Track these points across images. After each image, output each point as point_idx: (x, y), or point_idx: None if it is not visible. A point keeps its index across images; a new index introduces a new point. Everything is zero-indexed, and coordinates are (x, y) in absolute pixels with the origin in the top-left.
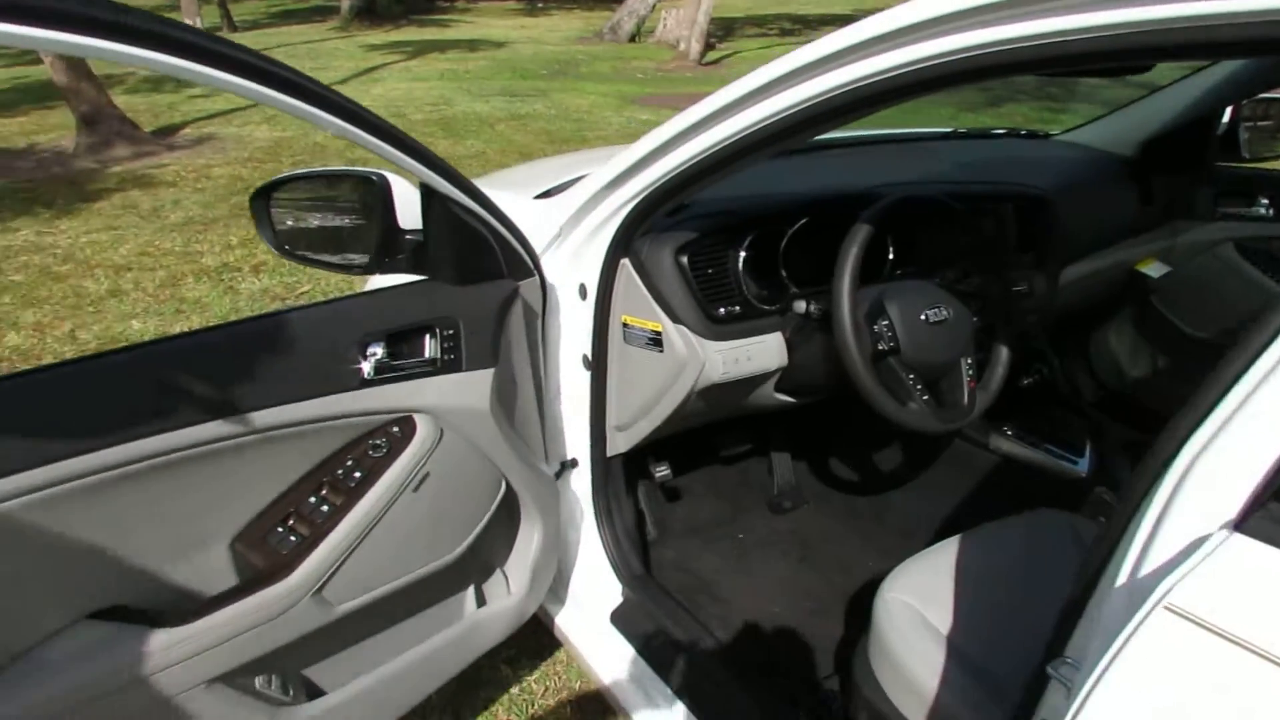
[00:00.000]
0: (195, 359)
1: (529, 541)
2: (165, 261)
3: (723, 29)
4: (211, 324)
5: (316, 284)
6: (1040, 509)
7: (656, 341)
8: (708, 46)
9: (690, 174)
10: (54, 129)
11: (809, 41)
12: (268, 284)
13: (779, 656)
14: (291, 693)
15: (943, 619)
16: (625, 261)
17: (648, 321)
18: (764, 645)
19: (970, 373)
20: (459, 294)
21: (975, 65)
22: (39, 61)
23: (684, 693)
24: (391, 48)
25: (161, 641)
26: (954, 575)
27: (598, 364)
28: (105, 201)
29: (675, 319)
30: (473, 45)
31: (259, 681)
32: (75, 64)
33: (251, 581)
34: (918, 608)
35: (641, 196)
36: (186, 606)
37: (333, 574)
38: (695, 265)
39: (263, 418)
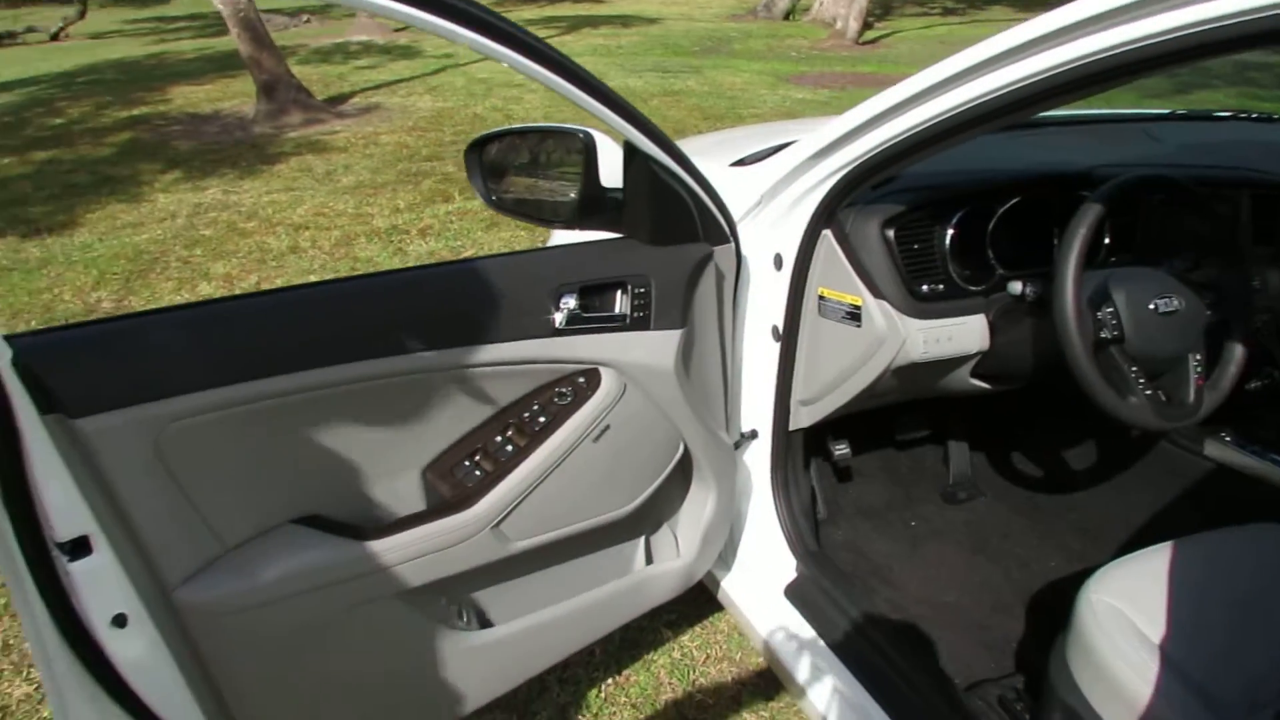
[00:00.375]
0: (407, 293)
1: (702, 506)
2: (339, 222)
3: (881, 7)
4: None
5: (479, 249)
6: (1269, 523)
7: (854, 316)
8: (866, 25)
9: (905, 147)
10: (236, 96)
11: (973, 22)
12: (434, 247)
13: (956, 648)
14: (465, 619)
15: (1155, 628)
16: (827, 233)
17: (846, 295)
18: (941, 635)
19: (1198, 370)
20: (653, 254)
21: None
22: (224, 33)
23: (860, 674)
24: (546, 22)
25: (357, 551)
26: (1169, 583)
27: (788, 336)
28: (283, 164)
29: (876, 293)
30: (625, 21)
31: (443, 601)
32: (258, 36)
33: (438, 508)
34: (1127, 613)
35: (851, 168)
36: (379, 524)
37: (511, 510)
38: (901, 240)
39: (461, 355)
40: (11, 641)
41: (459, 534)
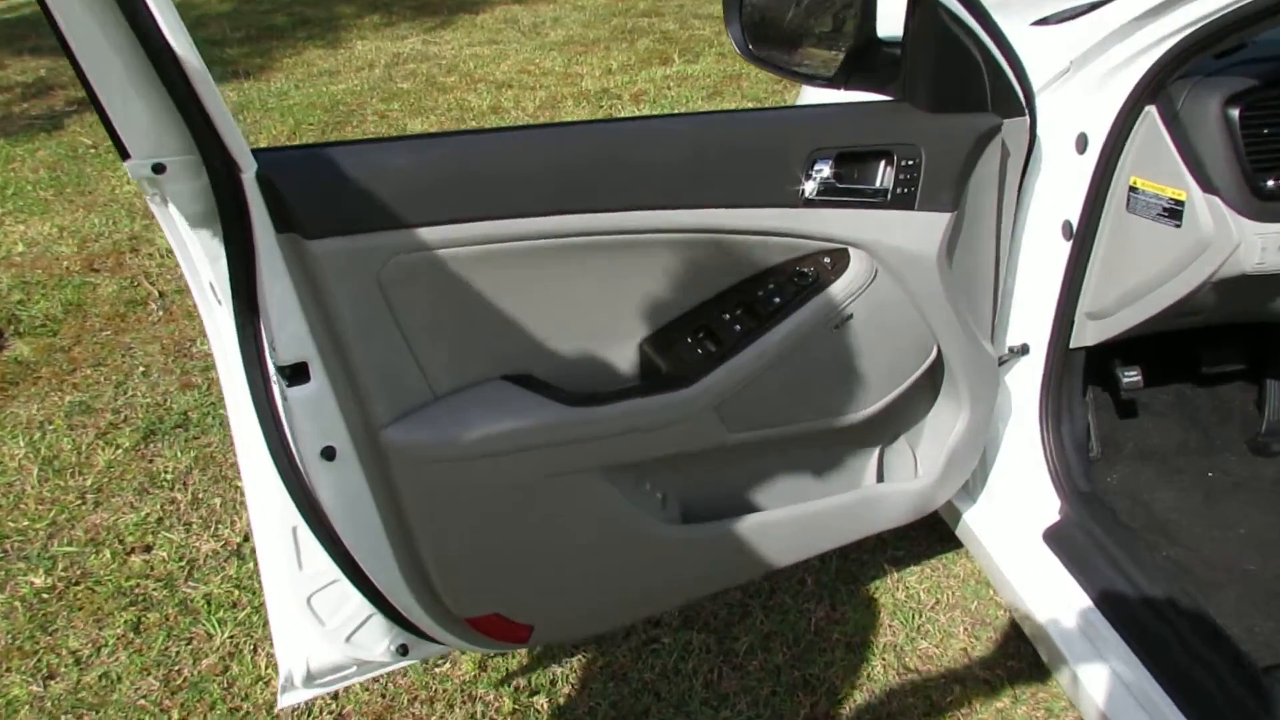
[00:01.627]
0: (647, 142)
1: (950, 423)
2: (545, 81)
3: None
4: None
5: None
6: None
7: (1173, 213)
8: None
9: (1270, 3)
10: None
11: None
12: (649, 113)
13: (1256, 623)
14: (668, 509)
15: None
16: (1151, 110)
17: (1166, 187)
18: (1238, 607)
19: None
20: (929, 121)
21: None
22: None
23: (1135, 643)
24: None
25: (565, 416)
26: None
27: (1084, 233)
28: (487, 14)
29: (1207, 187)
30: None
31: (647, 486)
32: None
33: (654, 384)
34: None
35: (1193, 29)
36: (591, 392)
37: (732, 396)
38: (1248, 122)
39: (695, 217)
40: (201, 496)
41: (673, 413)
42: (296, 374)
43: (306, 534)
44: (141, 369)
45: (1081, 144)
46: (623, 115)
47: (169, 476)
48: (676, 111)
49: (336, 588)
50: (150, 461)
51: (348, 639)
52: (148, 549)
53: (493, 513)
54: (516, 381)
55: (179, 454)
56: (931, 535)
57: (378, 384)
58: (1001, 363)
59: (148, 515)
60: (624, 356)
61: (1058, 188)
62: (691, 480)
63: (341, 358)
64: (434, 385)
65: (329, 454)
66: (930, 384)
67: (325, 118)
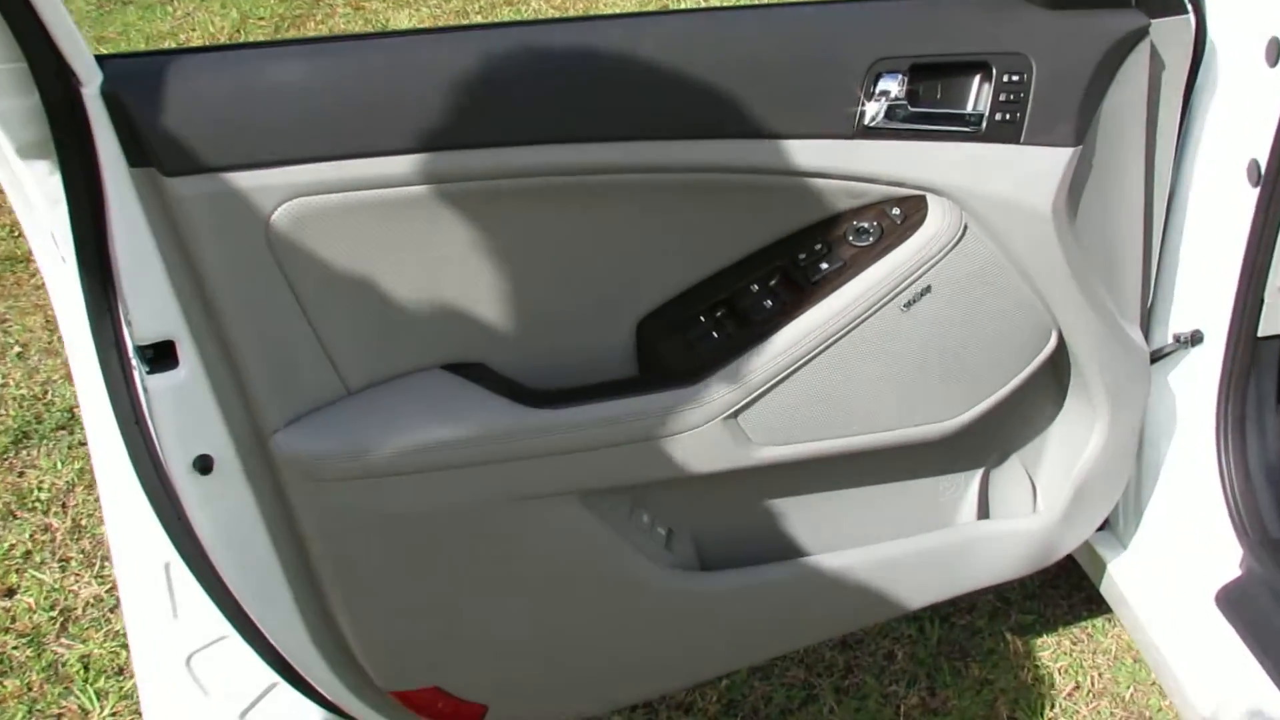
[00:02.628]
0: (642, 47)
1: (1082, 439)
2: None
3: None
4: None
5: None
6: None
7: None
8: None
9: None
10: None
11: None
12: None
13: None
14: (675, 550)
15: None
16: None
17: None
18: None
19: None
20: (1042, 20)
21: None
22: None
23: None
24: None
25: (529, 420)
26: None
27: (1277, 177)
28: None
29: None
30: None
31: (644, 519)
32: None
33: (654, 379)
34: None
35: None
36: (565, 388)
37: (761, 395)
38: None
39: (710, 151)
40: (84, 522)
41: (678, 420)
42: (160, 356)
43: (184, 572)
44: (17, 348)
45: (1274, 53)
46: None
47: (43, 495)
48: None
49: (224, 645)
50: (20, 475)
51: (241, 716)
52: (9, 593)
53: (428, 551)
54: (461, 373)
55: (58, 465)
56: (1069, 593)
57: (269, 373)
58: (1157, 357)
59: (12, 548)
60: (612, 341)
61: (1239, 114)
62: (707, 511)
63: (220, 336)
64: (346, 376)
65: (204, 465)
66: (1052, 384)
67: (281, 9)
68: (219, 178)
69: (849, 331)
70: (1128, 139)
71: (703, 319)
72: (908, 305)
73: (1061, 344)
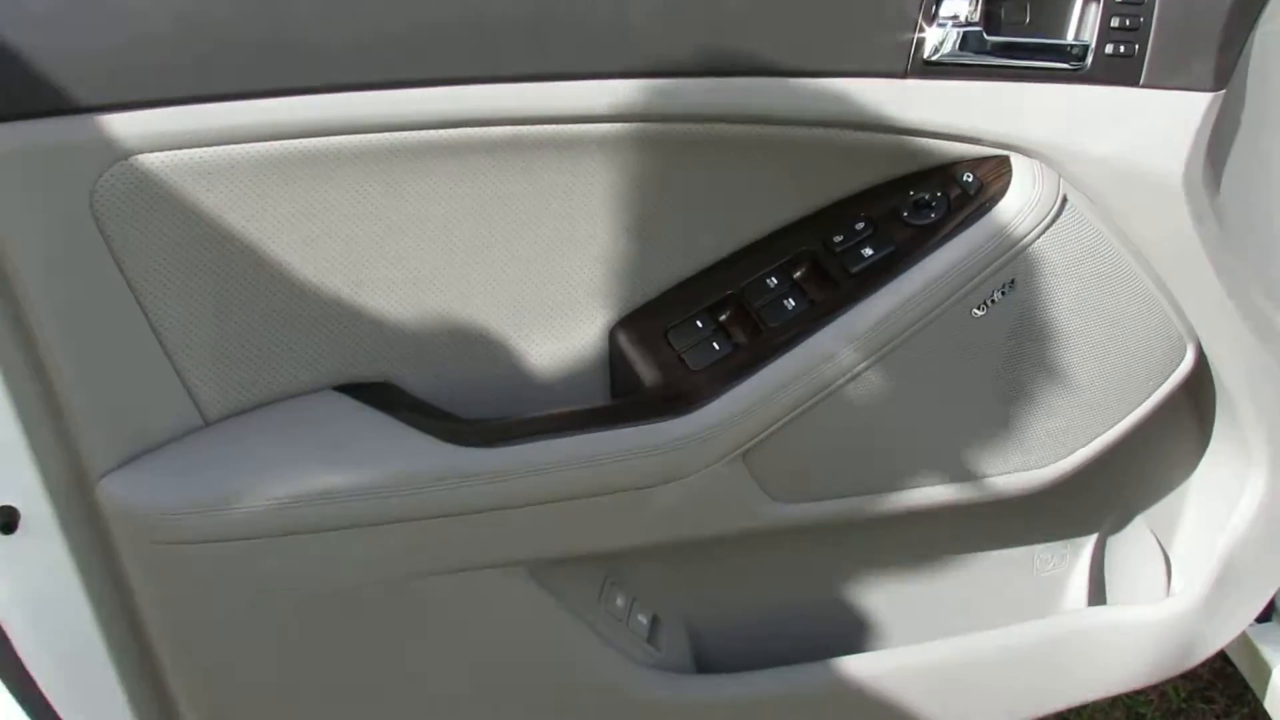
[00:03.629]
0: None
1: (1233, 495)
2: None
3: None
4: None
5: None
6: None
7: None
8: None
9: None
10: None
11: None
12: None
13: None
14: (665, 646)
15: None
16: None
17: None
18: None
19: None
20: None
21: None
22: None
23: None
24: None
25: (455, 462)
26: None
27: None
28: None
29: None
30: None
31: (618, 601)
32: None
33: (628, 405)
34: None
35: None
36: (507, 417)
37: (778, 432)
38: None
39: (712, 92)
40: None
41: (665, 464)
42: None
43: None
44: None
45: None
46: None
47: None
48: None
49: None
50: None
51: None
52: None
53: (309, 641)
54: (362, 396)
55: None
56: (1227, 708)
57: (96, 396)
58: None
59: None
60: (574, 353)
61: None
62: (706, 591)
63: (28, 349)
64: (201, 401)
65: (5, 521)
66: (1190, 419)
67: None
68: (18, 129)
69: (902, 343)
70: None
71: (699, 324)
72: (983, 307)
73: (1202, 364)
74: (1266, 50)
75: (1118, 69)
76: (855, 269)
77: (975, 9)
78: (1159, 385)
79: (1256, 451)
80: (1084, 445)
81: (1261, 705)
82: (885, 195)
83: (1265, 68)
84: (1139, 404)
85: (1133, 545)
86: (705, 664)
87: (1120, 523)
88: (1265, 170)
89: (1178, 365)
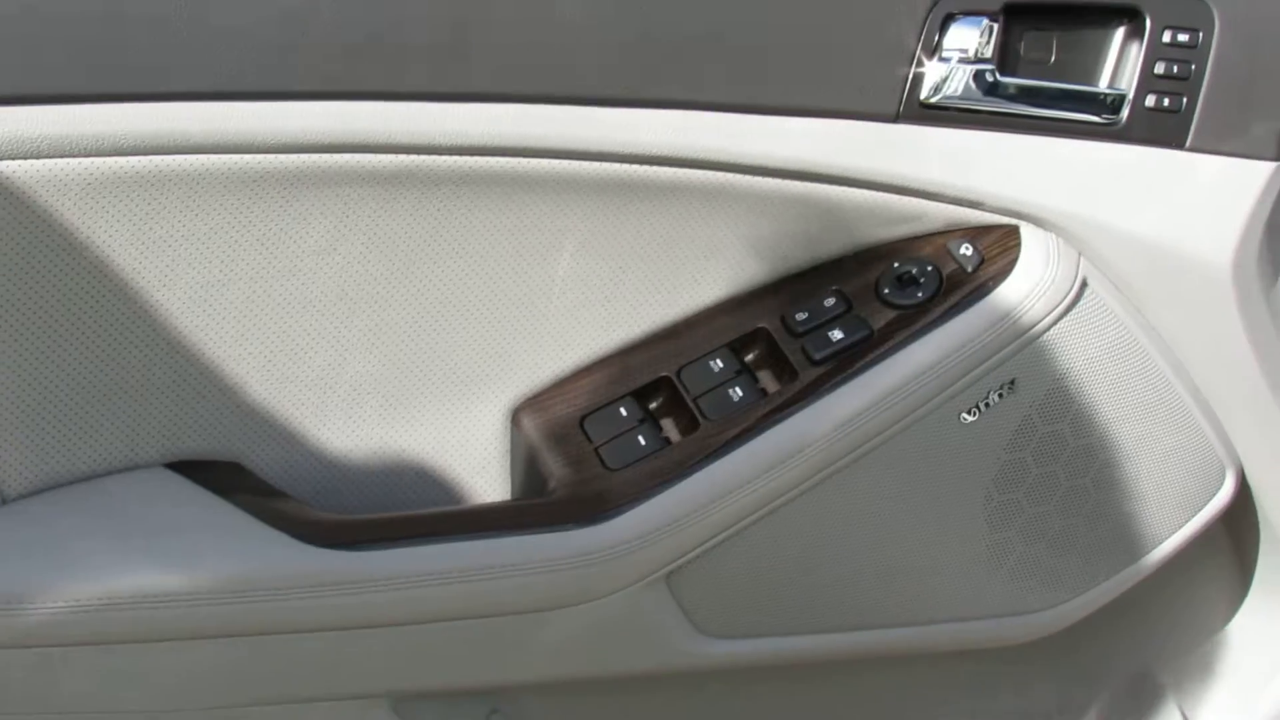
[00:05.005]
0: None
1: (1275, 656)
2: None
3: None
4: None
5: None
6: None
7: None
8: None
9: None
10: None
11: None
12: None
13: None
14: None
15: None
16: None
17: None
18: None
19: None
20: None
21: None
22: None
23: None
24: None
25: (305, 566)
26: None
27: None
28: None
29: None
30: None
31: None
32: None
33: (529, 507)
34: None
35: None
36: (372, 515)
37: (713, 550)
38: None
39: (649, 127)
40: None
41: (573, 581)
42: None
43: None
44: None
45: None
46: None
47: None
48: None
49: None
50: None
51: None
52: None
53: None
54: (201, 476)
55: None
56: None
57: None
58: None
59: None
60: (466, 439)
61: None
62: None
63: None
64: (1, 475)
65: None
66: (1227, 560)
67: None
68: None
69: (872, 451)
70: None
71: (623, 412)
72: (975, 411)
73: (1244, 494)
74: None
75: (1160, 127)
76: (819, 355)
77: (988, 42)
78: (1189, 519)
79: None
80: (1091, 589)
81: None
82: (863, 266)
83: None
84: (1163, 540)
85: (1147, 713)
86: None
87: (1134, 686)
88: None
89: (1214, 495)
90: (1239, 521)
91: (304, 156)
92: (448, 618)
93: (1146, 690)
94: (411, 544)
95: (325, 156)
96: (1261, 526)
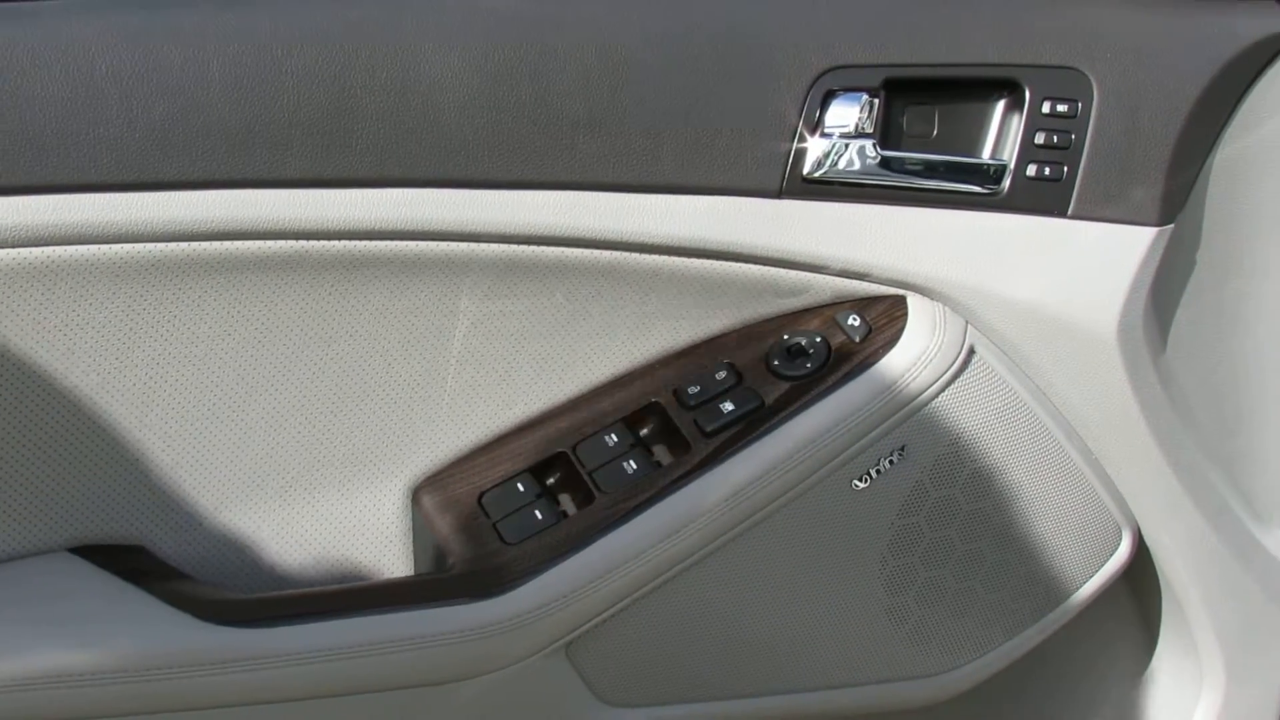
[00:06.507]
0: (422, 38)
1: (1184, 713)
2: None
3: None
4: None
5: None
6: None
7: None
8: None
9: None
10: None
11: None
12: None
13: None
14: None
15: None
16: None
17: None
18: None
19: None
20: (1113, 18)
21: None
22: None
23: None
24: None
25: (205, 644)
26: None
27: None
28: None
29: None
30: None
31: None
32: None
33: (429, 582)
34: None
35: None
36: (274, 594)
37: (611, 620)
38: None
39: (537, 208)
40: None
41: (472, 654)
42: None
43: None
44: None
45: None
46: None
47: None
48: None
49: None
50: None
51: None
52: None
53: None
54: (103, 560)
55: None
56: None
57: None
58: None
59: None
60: (367, 517)
61: None
62: None
63: None
64: None
65: None
66: (1130, 619)
67: None
68: None
69: (765, 519)
70: (1262, 213)
71: (520, 488)
72: (866, 478)
73: (1143, 554)
74: (1226, 177)
75: (1042, 195)
76: (711, 427)
77: (869, 117)
78: (1087, 579)
79: (1208, 661)
80: (992, 650)
81: None
82: (752, 340)
83: (1224, 198)
84: (1063, 601)
85: None
86: None
87: None
88: (1220, 322)
89: (1111, 554)
90: (1140, 580)
91: (194, 245)
92: (349, 692)
93: None
94: (313, 620)
95: (215, 244)
96: (1162, 588)
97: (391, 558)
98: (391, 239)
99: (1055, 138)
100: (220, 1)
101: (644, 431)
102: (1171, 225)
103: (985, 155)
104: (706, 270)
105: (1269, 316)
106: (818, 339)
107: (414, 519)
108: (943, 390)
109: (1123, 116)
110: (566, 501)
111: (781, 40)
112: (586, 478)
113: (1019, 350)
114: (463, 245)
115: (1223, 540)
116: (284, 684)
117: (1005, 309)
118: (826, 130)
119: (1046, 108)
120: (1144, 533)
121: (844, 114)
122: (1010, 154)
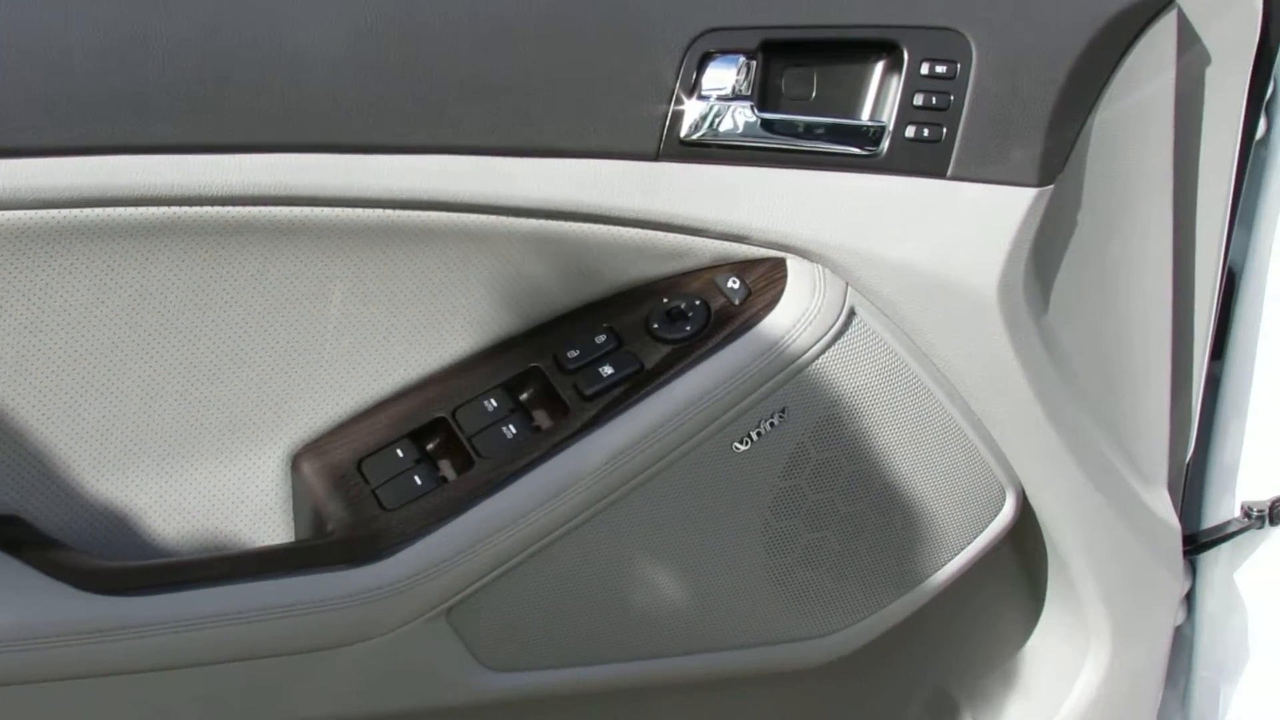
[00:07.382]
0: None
1: (1069, 673)
2: None
3: None
4: None
5: None
6: None
7: None
8: None
9: None
10: None
11: None
12: None
13: None
14: None
15: None
16: None
17: None
18: None
19: None
20: None
21: None
22: None
23: None
24: None
25: (82, 613)
26: None
27: None
28: None
29: None
30: None
31: None
32: None
33: (308, 549)
34: None
35: None
36: (149, 561)
37: (492, 585)
38: None
39: (411, 173)
40: None
41: (351, 619)
42: None
43: None
44: None
45: None
46: None
47: None
48: None
49: None
50: None
51: None
52: None
53: None
54: None
55: None
56: None
57: None
58: (1208, 541)
59: None
60: (246, 485)
61: None
62: None
63: None
64: None
65: None
66: (1016, 581)
67: None
68: None
69: (645, 482)
70: (1142, 175)
71: (399, 454)
72: (747, 440)
73: (1027, 514)
74: (1106, 139)
75: (920, 156)
76: (590, 391)
77: (746, 80)
78: (970, 541)
79: (1094, 619)
80: (876, 612)
81: None
82: (631, 303)
83: (1104, 160)
84: (946, 563)
85: None
86: None
87: (930, 705)
88: (1101, 282)
89: (995, 516)
90: (1026, 542)
91: (63, 212)
92: (227, 659)
93: (943, 709)
94: (190, 588)
95: (85, 211)
96: (1047, 547)
97: (271, 524)
98: (265, 204)
99: (934, 99)
100: None
101: (524, 396)
102: (1051, 186)
103: (864, 117)
104: (584, 234)
105: (1150, 277)
106: (697, 302)
107: (293, 485)
108: (823, 352)
109: (1002, 78)
110: (446, 467)
111: (658, 2)
112: (466, 443)
113: (900, 311)
114: (337, 210)
115: (1106, 500)
116: (163, 652)
117: (885, 270)
118: (704, 93)
119: (925, 69)
120: (1028, 493)
121: (721, 76)
122: (889, 116)
